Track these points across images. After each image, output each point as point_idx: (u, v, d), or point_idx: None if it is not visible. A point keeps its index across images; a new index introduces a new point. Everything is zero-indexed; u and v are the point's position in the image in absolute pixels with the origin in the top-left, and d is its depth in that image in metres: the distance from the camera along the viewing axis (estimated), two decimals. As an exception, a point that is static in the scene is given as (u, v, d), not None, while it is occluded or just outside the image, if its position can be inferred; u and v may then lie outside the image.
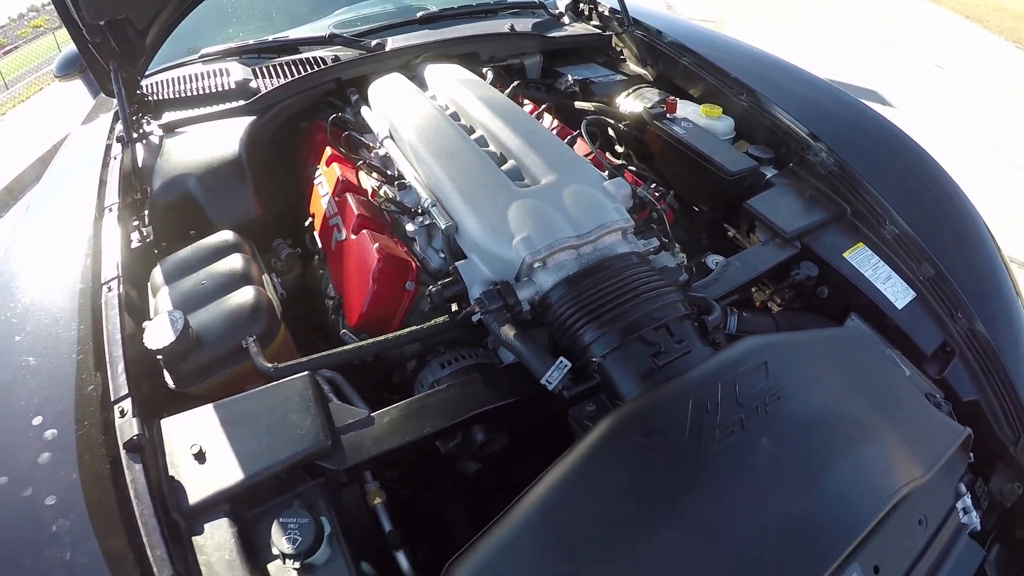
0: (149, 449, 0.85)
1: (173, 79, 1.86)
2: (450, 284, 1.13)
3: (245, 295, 1.18)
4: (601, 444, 0.84)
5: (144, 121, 1.68)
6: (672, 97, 1.78)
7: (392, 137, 1.50)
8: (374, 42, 1.85)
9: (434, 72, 1.79)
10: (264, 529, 0.80)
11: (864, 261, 1.39)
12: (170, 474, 0.83)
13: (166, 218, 1.45)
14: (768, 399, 0.93)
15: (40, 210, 1.51)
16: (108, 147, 1.57)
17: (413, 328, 1.11)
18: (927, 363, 1.26)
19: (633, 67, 2.18)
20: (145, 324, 1.07)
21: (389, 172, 1.49)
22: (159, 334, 1.04)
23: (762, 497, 0.84)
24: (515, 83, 1.89)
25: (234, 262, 1.26)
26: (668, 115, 1.70)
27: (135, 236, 1.35)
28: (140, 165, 1.54)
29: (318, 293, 1.48)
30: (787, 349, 1.02)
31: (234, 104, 1.71)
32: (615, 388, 0.98)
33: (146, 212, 1.42)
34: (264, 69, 1.83)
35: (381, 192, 1.42)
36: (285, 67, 1.82)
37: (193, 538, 0.78)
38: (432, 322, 1.12)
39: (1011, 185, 4.20)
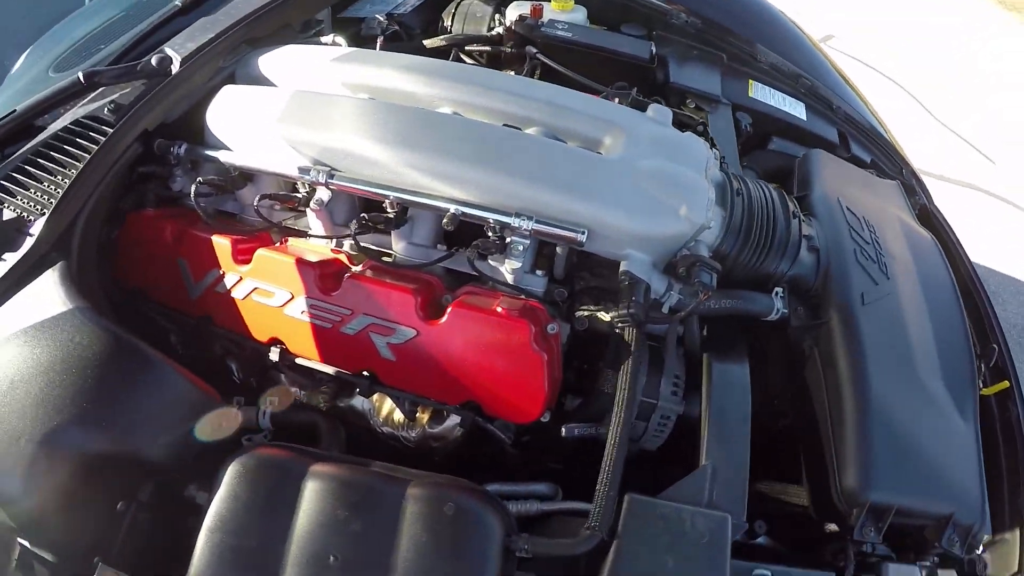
0: None
1: None
2: (636, 294, 0.95)
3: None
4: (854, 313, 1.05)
5: None
6: (535, 3, 1.65)
7: (329, 175, 1.03)
8: (153, 59, 1.17)
9: (277, 63, 1.24)
10: None
11: (761, 93, 1.65)
12: None
13: None
14: (866, 223, 1.19)
15: None
16: None
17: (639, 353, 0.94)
18: (837, 151, 1.65)
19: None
20: None
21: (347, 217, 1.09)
22: None
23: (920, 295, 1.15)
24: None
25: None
26: (540, 22, 1.60)
27: None
28: None
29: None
30: (835, 188, 1.26)
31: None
32: (804, 286, 1.10)
33: None
34: (11, 177, 1.03)
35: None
36: (43, 157, 1.05)
37: None
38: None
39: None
